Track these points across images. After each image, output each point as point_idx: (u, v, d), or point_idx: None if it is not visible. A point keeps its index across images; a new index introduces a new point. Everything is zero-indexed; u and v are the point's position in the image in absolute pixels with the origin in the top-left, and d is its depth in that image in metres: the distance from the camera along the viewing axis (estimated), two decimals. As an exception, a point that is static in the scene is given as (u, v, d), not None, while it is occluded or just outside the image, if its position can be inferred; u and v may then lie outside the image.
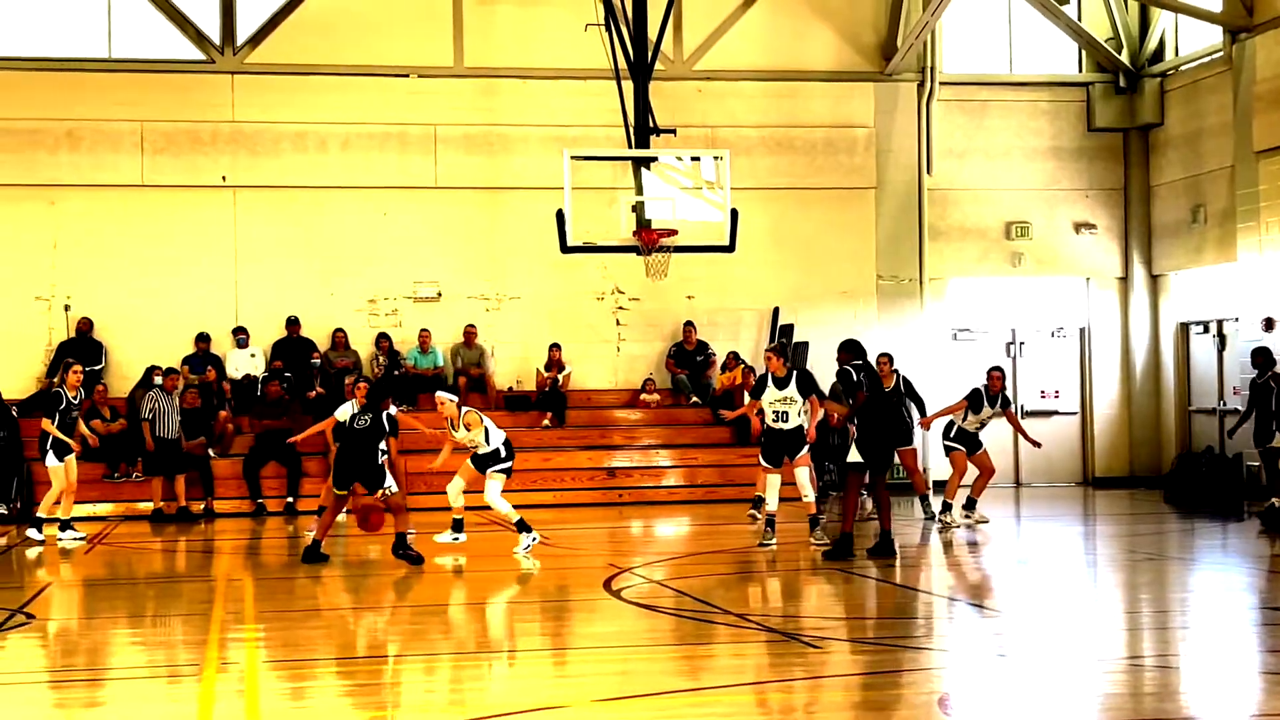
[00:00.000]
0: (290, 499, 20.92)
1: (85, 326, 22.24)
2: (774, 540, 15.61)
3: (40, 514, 17.69)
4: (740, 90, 24.08)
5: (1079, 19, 24.72)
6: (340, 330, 22.94)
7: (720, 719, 8.22)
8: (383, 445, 14.99)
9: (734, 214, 18.88)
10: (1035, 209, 24.89)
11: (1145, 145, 24.85)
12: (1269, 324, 21.08)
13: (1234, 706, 8.37)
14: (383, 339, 22.90)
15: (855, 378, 15.02)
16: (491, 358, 23.40)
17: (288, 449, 18.90)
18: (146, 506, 20.54)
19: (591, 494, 21.85)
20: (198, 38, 23.02)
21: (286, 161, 23.02)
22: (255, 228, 23.04)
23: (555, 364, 23.09)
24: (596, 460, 22.37)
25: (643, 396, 23.55)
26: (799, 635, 10.58)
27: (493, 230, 23.59)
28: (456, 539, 15.84)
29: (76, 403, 17.67)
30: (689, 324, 23.63)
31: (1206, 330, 23.85)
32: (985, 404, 17.89)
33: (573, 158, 18.72)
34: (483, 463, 15.60)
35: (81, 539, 17.44)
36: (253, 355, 22.67)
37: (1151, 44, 24.70)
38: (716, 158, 19.17)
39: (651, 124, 19.87)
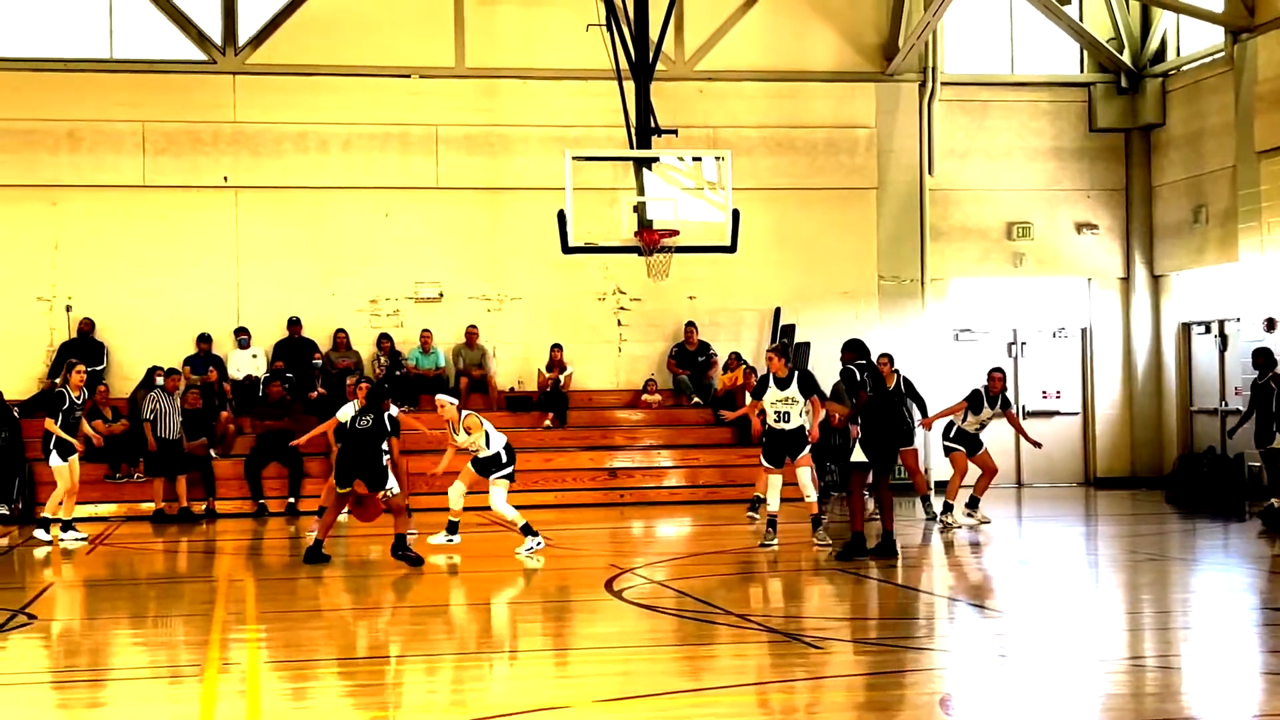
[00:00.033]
0: (292, 499, 20.92)
1: (87, 327, 22.24)
2: (775, 541, 15.61)
3: (45, 514, 17.67)
4: (742, 90, 24.08)
5: (1080, 19, 24.70)
6: (342, 331, 22.94)
7: (722, 719, 8.22)
8: (385, 446, 14.99)
9: (735, 214, 18.87)
10: (1037, 209, 24.89)
11: (1147, 145, 24.84)
12: (1270, 324, 21.07)
13: (1235, 707, 8.37)
14: (384, 339, 22.90)
15: (859, 377, 15.01)
16: (493, 358, 23.40)
17: (289, 449, 18.91)
18: (148, 507, 20.54)
19: (593, 494, 21.86)
20: (199, 38, 23.02)
21: (288, 162, 23.03)
22: (257, 228, 23.04)
23: (557, 364, 23.09)
24: (598, 461, 22.37)
25: (644, 397, 23.55)
26: (800, 636, 10.58)
27: (494, 231, 23.59)
28: (450, 540, 15.82)
29: (80, 403, 17.68)
30: (690, 324, 23.63)
31: (1208, 330, 23.84)
32: (985, 405, 17.90)
33: (574, 158, 18.72)
34: (484, 466, 15.57)
35: (83, 539, 17.45)
36: (254, 356, 22.67)
37: (1153, 44, 24.70)
38: (718, 158, 19.17)
39: (653, 124, 19.87)
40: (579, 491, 21.81)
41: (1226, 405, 23.08)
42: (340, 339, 22.88)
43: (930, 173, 24.40)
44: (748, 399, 19.49)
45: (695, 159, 19.54)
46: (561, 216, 18.54)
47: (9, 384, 21.43)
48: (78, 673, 9.91)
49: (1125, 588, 13.60)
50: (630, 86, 20.10)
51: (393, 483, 14.86)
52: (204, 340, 22.40)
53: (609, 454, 22.53)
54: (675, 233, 18.94)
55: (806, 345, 22.66)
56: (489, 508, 15.72)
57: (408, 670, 9.85)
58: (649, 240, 18.84)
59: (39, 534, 17.47)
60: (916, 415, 17.46)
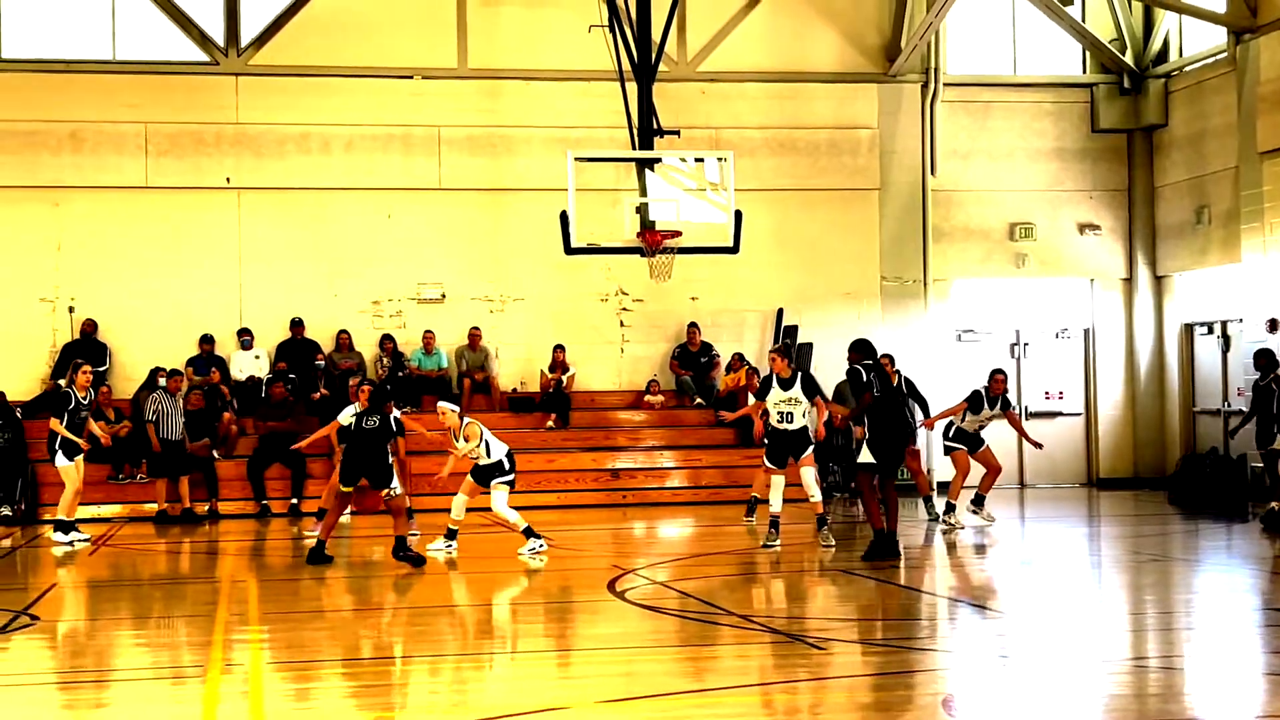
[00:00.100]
0: (294, 500, 20.93)
1: (89, 328, 22.25)
2: (778, 541, 15.61)
3: (60, 515, 17.60)
4: (744, 91, 24.09)
5: (1083, 20, 24.70)
6: (344, 332, 22.94)
7: (724, 719, 8.24)
8: (389, 446, 15.02)
9: (738, 215, 18.87)
10: (1039, 210, 24.88)
11: (1149, 146, 24.84)
12: (1273, 325, 21.06)
13: (1238, 708, 8.37)
14: (387, 340, 22.91)
15: (865, 378, 15.00)
16: (495, 360, 23.40)
17: (292, 451, 18.89)
18: (151, 508, 20.55)
19: (595, 495, 21.85)
20: (202, 39, 23.04)
21: (290, 163, 23.04)
22: (259, 229, 23.05)
23: (559, 365, 23.09)
24: (600, 461, 22.37)
25: (647, 398, 23.55)
26: (803, 636, 10.58)
27: (497, 232, 23.59)
28: (449, 546, 15.78)
29: (86, 403, 17.69)
30: (693, 325, 23.63)
31: (1211, 331, 23.83)
32: (985, 405, 17.89)
33: (576, 159, 18.72)
34: (484, 475, 15.49)
35: (85, 540, 17.44)
36: (257, 357, 22.68)
37: (1155, 45, 24.70)
38: (720, 159, 19.17)
39: (655, 125, 19.87)
40: (581, 492, 21.82)
41: (1229, 406, 23.07)
42: (343, 340, 22.89)
43: (932, 173, 24.40)
44: (750, 400, 19.49)
45: (697, 160, 19.54)
46: (564, 217, 18.54)
47: (12, 385, 21.44)
48: (81, 674, 9.91)
49: (1128, 588, 13.60)
50: (633, 87, 20.10)
51: (395, 483, 14.87)
52: (206, 341, 22.41)
53: (611, 455, 22.53)
54: (678, 234, 18.94)
55: (809, 346, 22.67)
56: (490, 509, 15.72)
57: (410, 671, 9.85)
58: (651, 241, 18.84)
59: (57, 537, 17.39)
60: (918, 415, 17.46)
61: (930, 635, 11.04)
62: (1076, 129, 25.00)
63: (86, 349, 21.50)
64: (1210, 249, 23.37)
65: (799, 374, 15.69)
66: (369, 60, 23.20)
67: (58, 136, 22.51)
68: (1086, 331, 25.17)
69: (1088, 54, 25.10)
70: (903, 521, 16.24)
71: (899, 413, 15.44)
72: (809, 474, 15.73)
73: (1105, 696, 8.57)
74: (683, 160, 19.55)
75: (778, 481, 15.80)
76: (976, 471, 18.15)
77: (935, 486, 20.24)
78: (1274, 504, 17.72)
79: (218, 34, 23.06)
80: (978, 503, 18.08)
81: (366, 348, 23.04)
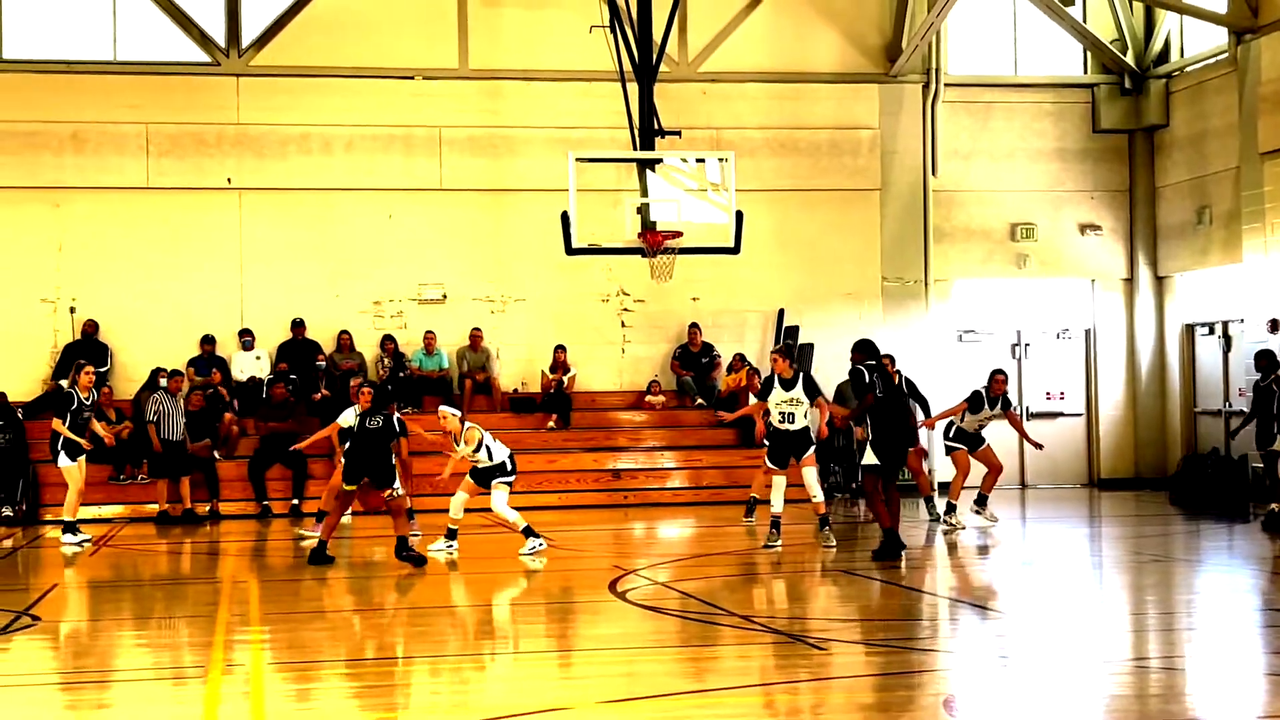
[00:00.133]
0: (295, 501, 20.93)
1: (90, 329, 22.26)
2: (779, 542, 15.61)
3: (65, 516, 17.58)
4: (745, 92, 24.09)
5: (1084, 20, 24.70)
6: (345, 332, 22.95)
7: (725, 721, 8.23)
8: (392, 446, 15.03)
9: (739, 216, 18.86)
10: (1040, 210, 24.89)
11: (1150, 147, 24.84)
12: (1274, 325, 21.05)
13: (1239, 708, 8.37)
14: (388, 341, 22.91)
15: (868, 378, 14.99)
16: (497, 360, 23.41)
17: (293, 451, 18.90)
18: (152, 508, 20.56)
19: (596, 496, 21.85)
20: (203, 40, 23.05)
21: (291, 164, 23.05)
22: (260, 230, 23.05)
23: (560, 366, 23.09)
24: (601, 462, 22.37)
25: (648, 398, 23.55)
26: (804, 637, 10.58)
27: (498, 232, 23.60)
28: (450, 546, 15.77)
29: (89, 403, 17.69)
30: (694, 326, 23.63)
31: (1212, 332, 23.82)
32: (985, 405, 17.89)
33: (578, 160, 18.71)
34: (484, 477, 15.48)
35: (87, 540, 17.44)
36: (258, 357, 22.69)
37: (1156, 45, 24.70)
38: (721, 159, 19.16)
39: (656, 126, 19.86)
40: (582, 493, 21.82)
41: (1230, 406, 23.06)
42: (344, 340, 22.89)
43: (934, 174, 24.40)
44: (751, 400, 19.49)
45: (698, 160, 19.53)
46: (565, 218, 18.54)
47: (13, 386, 21.44)
48: (82, 674, 9.91)
49: (1129, 589, 13.60)
50: (634, 88, 20.09)
51: (397, 484, 14.87)
52: (208, 342, 22.42)
53: (612, 455, 22.53)
54: (679, 234, 18.93)
55: (810, 346, 22.67)
56: (490, 509, 15.72)
57: (412, 671, 9.86)
58: (652, 242, 18.84)
59: (66, 538, 17.35)
60: (919, 415, 17.46)
61: (931, 636, 11.04)
62: (1077, 129, 25.01)
63: (87, 349, 21.50)
64: (1211, 249, 23.37)
65: (800, 374, 15.70)
66: (370, 61, 23.21)
67: (59, 137, 22.52)
68: (1087, 332, 25.17)
69: (1089, 54, 25.10)
70: (903, 522, 16.23)
71: (901, 413, 15.43)
72: (811, 474, 15.73)
73: (1106, 697, 8.57)
74: (684, 161, 19.55)
75: (779, 482, 15.80)
76: (977, 471, 18.15)
77: (936, 487, 20.23)
78: (1274, 505, 17.72)
79: (219, 34, 23.07)
80: (980, 503, 18.09)
81: (367, 348, 23.04)
